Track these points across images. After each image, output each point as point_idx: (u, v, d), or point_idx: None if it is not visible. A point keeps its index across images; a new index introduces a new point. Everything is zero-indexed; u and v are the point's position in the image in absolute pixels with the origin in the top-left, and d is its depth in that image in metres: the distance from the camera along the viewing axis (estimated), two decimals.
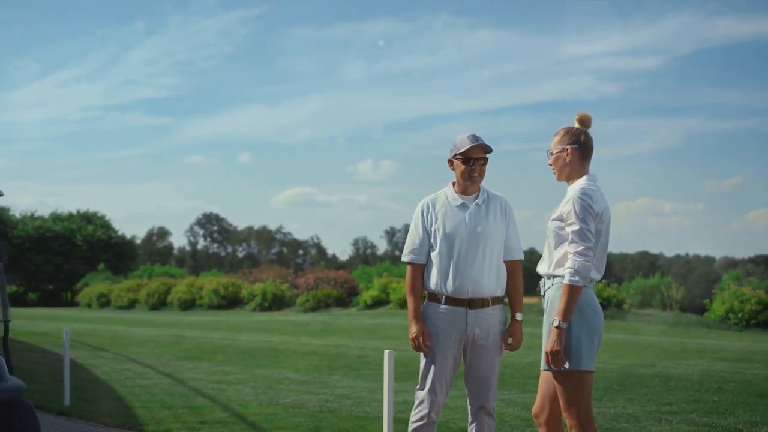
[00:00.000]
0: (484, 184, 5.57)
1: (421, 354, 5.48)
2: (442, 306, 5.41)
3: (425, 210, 5.55)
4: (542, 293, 5.03)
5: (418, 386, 5.51)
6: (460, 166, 5.46)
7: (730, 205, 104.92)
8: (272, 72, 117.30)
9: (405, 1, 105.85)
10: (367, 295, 31.08)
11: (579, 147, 5.00)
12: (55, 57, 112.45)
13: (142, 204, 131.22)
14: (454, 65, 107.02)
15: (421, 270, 5.53)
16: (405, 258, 5.59)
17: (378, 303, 30.68)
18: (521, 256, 5.49)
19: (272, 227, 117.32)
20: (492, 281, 5.41)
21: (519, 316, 5.47)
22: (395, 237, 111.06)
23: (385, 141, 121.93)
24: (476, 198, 5.49)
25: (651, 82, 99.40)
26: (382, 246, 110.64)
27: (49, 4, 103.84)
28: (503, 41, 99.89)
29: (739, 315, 23.44)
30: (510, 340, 5.49)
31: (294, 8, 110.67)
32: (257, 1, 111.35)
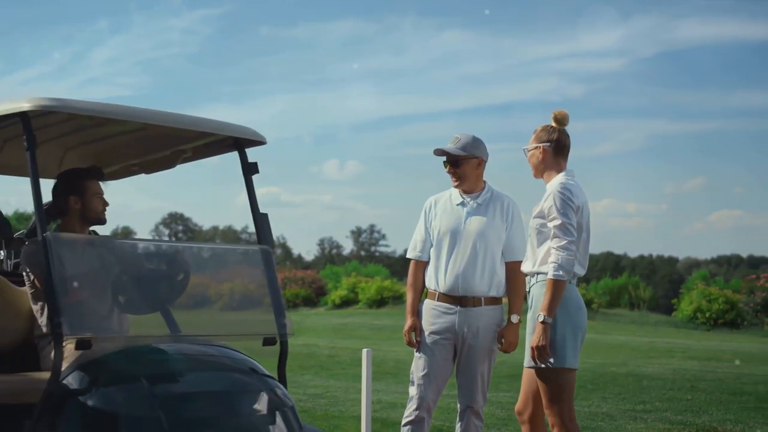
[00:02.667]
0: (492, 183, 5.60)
1: (415, 350, 5.46)
2: (436, 303, 5.40)
3: (428, 208, 5.59)
4: (527, 290, 4.99)
5: (410, 383, 5.49)
6: None
7: (693, 206, 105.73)
8: (237, 71, 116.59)
9: (371, 1, 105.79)
10: (335, 295, 30.99)
11: (552, 145, 4.97)
12: (19, 55, 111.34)
13: None
14: (421, 66, 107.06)
15: (423, 267, 5.56)
16: (408, 255, 5.64)
17: (346, 303, 30.59)
18: (523, 257, 5.37)
19: (237, 227, 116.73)
20: (485, 281, 5.36)
21: (515, 319, 5.42)
22: (361, 237, 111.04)
23: (351, 141, 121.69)
24: (477, 197, 5.45)
25: (615, 83, 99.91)
26: (347, 246, 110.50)
27: (12, 2, 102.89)
28: (469, 42, 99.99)
29: (707, 314, 23.61)
30: (503, 342, 5.44)
31: (259, 8, 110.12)
32: (222, 0, 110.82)
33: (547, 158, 4.98)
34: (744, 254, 76.23)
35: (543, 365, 4.74)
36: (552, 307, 4.70)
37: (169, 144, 4.87)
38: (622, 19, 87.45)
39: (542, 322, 4.70)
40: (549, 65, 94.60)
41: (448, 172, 5.46)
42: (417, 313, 5.49)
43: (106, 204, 4.73)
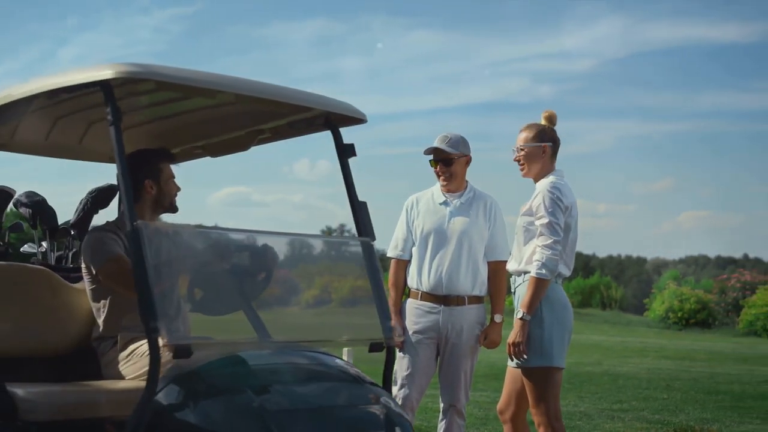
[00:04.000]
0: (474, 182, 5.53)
1: (397, 350, 5.40)
2: (419, 302, 5.34)
3: (409, 207, 5.53)
4: (513, 290, 4.95)
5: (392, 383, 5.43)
6: None
7: (661, 206, 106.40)
8: (207, 70, 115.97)
9: (342, 1, 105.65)
10: (308, 295, 30.97)
11: (553, 145, 4.94)
12: None
13: (77, 204, 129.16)
14: (391, 65, 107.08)
15: (404, 266, 5.51)
16: (389, 254, 5.58)
17: (319, 303, 30.61)
18: (506, 257, 5.29)
19: (207, 226, 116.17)
20: (468, 280, 5.32)
21: (498, 318, 5.39)
22: (332, 236, 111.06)
23: (322, 141, 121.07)
24: (460, 196, 5.40)
25: (585, 84, 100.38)
26: (318, 246, 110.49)
27: None
28: (439, 42, 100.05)
29: (679, 314, 23.79)
30: (486, 340, 5.39)
31: (229, 6, 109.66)
32: None
33: (546, 157, 4.94)
34: (711, 254, 76.75)
35: (519, 363, 4.71)
36: (532, 305, 4.67)
37: (248, 122, 4.24)
38: (593, 20, 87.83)
39: (521, 319, 4.67)
40: (520, 66, 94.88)
41: (438, 171, 5.39)
42: (400, 313, 5.43)
43: (178, 189, 4.32)
